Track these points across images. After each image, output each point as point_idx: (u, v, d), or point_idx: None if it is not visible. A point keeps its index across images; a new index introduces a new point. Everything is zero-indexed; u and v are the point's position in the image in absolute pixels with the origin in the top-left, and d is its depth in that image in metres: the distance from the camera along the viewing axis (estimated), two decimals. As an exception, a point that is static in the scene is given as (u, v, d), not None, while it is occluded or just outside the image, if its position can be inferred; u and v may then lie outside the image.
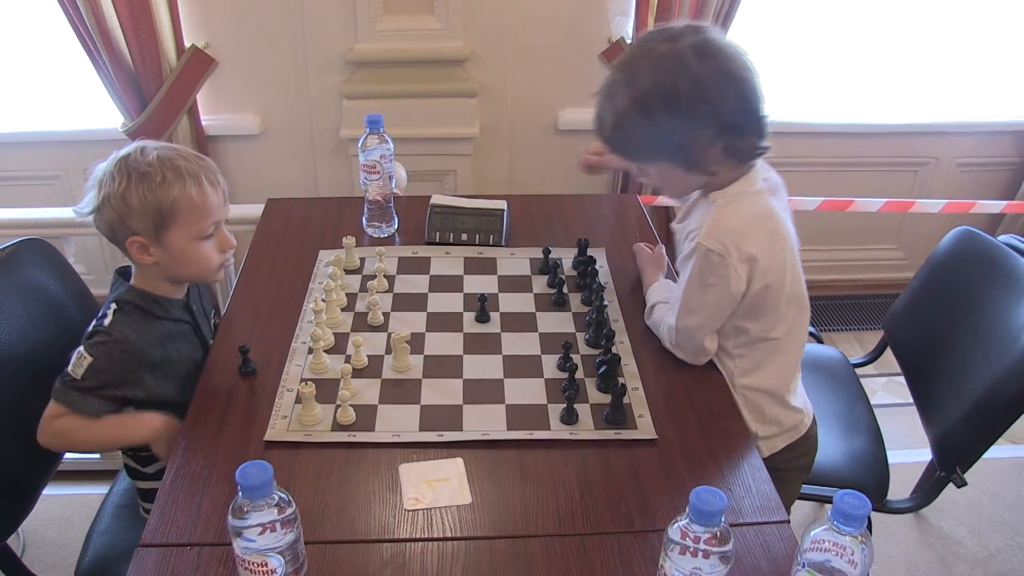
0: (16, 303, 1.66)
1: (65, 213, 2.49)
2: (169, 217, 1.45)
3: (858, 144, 3.22)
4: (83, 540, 1.66)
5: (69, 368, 1.44)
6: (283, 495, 1.02)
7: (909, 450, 2.59)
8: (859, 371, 2.21)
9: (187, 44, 2.84)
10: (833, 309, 3.48)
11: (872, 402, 2.11)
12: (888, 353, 2.15)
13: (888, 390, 2.98)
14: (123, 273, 1.58)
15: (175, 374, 1.53)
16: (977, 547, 2.39)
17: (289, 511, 1.03)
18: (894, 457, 2.33)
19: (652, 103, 1.34)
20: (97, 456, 2.52)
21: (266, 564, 1.01)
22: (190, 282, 1.61)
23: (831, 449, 1.90)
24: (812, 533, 0.98)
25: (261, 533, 1.02)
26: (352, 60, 2.88)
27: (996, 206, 2.85)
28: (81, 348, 1.45)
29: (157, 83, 2.83)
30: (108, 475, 1.89)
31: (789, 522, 1.27)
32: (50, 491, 1.69)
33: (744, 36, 2.90)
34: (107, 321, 1.47)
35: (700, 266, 1.45)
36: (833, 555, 0.97)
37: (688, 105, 1.34)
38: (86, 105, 3.06)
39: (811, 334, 2.29)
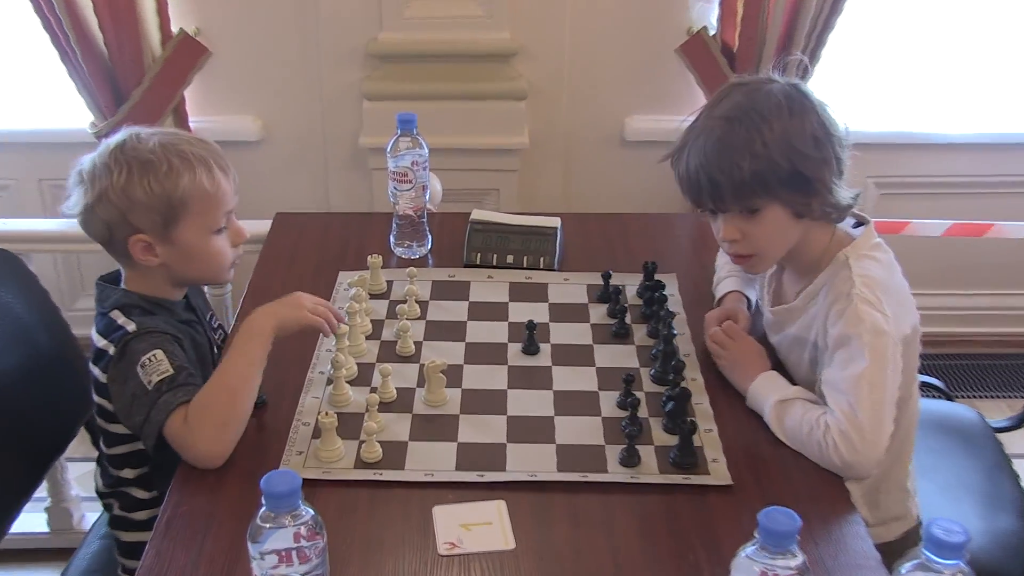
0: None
1: (24, 225, 2.76)
2: (180, 210, 1.70)
3: (998, 158, 3.43)
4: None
5: (152, 380, 1.62)
6: (310, 511, 1.23)
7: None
8: (1005, 438, 2.36)
9: (175, 30, 3.11)
10: (967, 371, 3.65)
11: (1024, 474, 2.25)
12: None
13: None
14: (110, 280, 1.82)
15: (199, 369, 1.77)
16: None
17: (318, 538, 1.24)
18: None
19: (787, 135, 1.65)
20: (46, 531, 2.74)
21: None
22: (197, 284, 1.86)
23: (968, 528, 2.04)
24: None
25: (285, 561, 1.23)
26: (375, 53, 3.15)
27: None
28: (143, 358, 1.63)
29: (137, 76, 3.10)
30: (63, 554, 2.09)
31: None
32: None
33: (851, 30, 3.13)
34: (131, 326, 1.69)
35: (871, 326, 1.65)
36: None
37: (816, 135, 1.67)
38: (46, 101, 3.33)
39: (939, 389, 2.47)
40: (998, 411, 3.37)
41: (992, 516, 2.09)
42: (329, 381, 1.80)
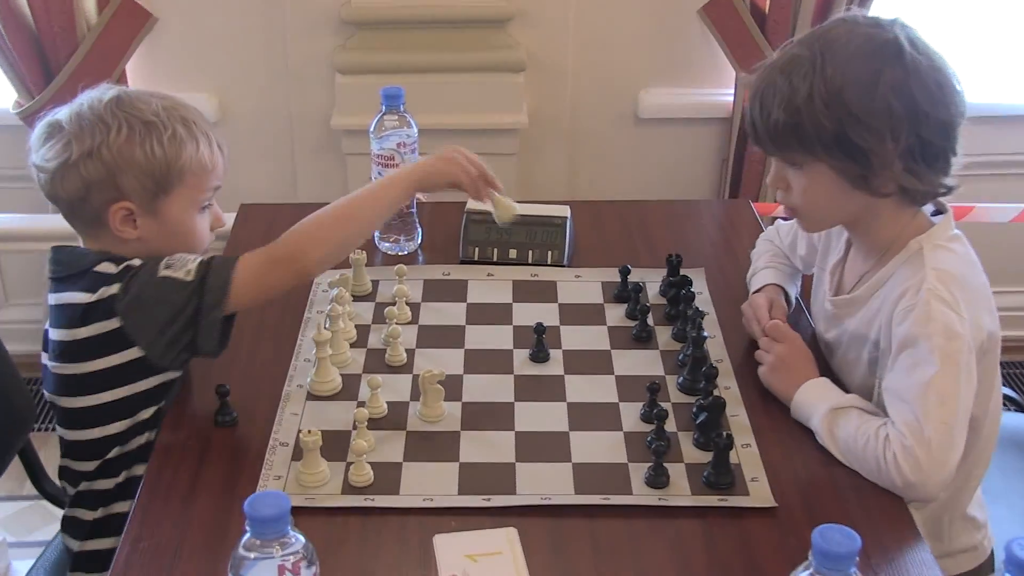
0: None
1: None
2: (175, 180, 1.79)
3: None
4: None
5: (189, 270, 1.73)
6: (300, 537, 1.26)
7: None
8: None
9: (113, -8, 3.15)
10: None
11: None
12: None
13: None
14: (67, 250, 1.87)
15: None
16: None
17: (307, 570, 1.28)
18: None
19: (843, 88, 1.65)
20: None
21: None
22: None
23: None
24: None
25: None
26: (349, 19, 3.19)
27: None
28: (165, 262, 1.74)
29: (69, 47, 3.15)
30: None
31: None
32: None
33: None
34: (136, 261, 1.76)
35: (943, 327, 1.67)
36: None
37: (885, 101, 1.65)
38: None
39: (1012, 400, 2.51)
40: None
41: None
42: (310, 394, 1.85)
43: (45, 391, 1.87)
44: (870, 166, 1.68)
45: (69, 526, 1.91)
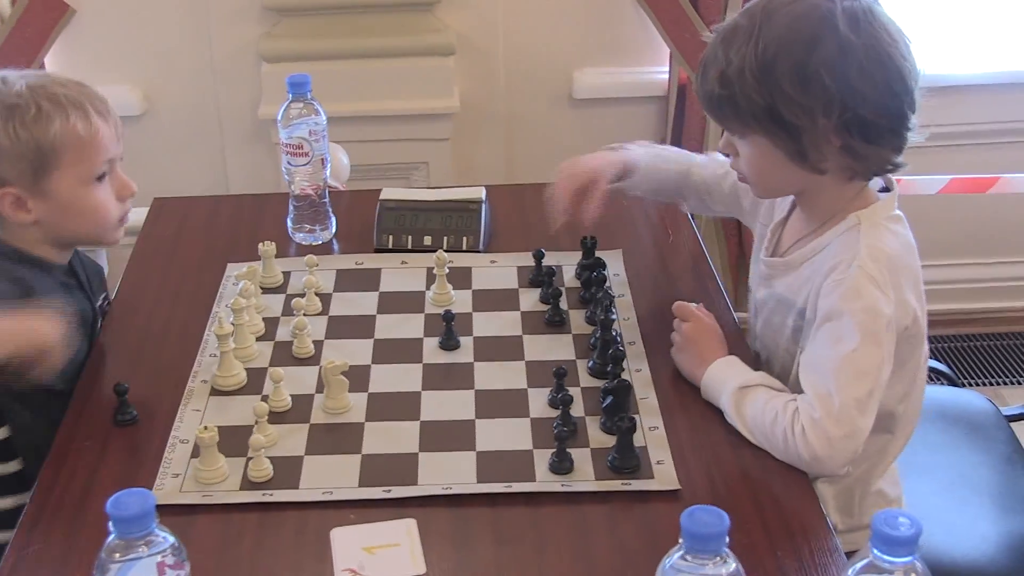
0: None
1: None
2: (51, 158, 1.80)
3: (1003, 102, 3.50)
4: None
5: None
6: (169, 537, 1.26)
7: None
8: (1020, 428, 2.41)
9: (26, -17, 3.15)
10: (975, 353, 3.74)
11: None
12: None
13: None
14: None
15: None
16: None
17: (182, 569, 1.28)
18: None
19: (774, 63, 1.65)
20: None
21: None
22: (83, 244, 1.96)
23: (975, 533, 2.10)
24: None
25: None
26: (273, 6, 3.19)
27: None
28: None
29: (-18, 42, 3.14)
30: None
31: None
32: None
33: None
34: None
35: (868, 305, 1.69)
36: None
37: (818, 78, 1.64)
38: None
39: (942, 374, 2.53)
40: (1013, 398, 3.43)
41: (1005, 518, 2.14)
42: (214, 392, 1.85)
43: None
44: (801, 140, 1.68)
45: None
